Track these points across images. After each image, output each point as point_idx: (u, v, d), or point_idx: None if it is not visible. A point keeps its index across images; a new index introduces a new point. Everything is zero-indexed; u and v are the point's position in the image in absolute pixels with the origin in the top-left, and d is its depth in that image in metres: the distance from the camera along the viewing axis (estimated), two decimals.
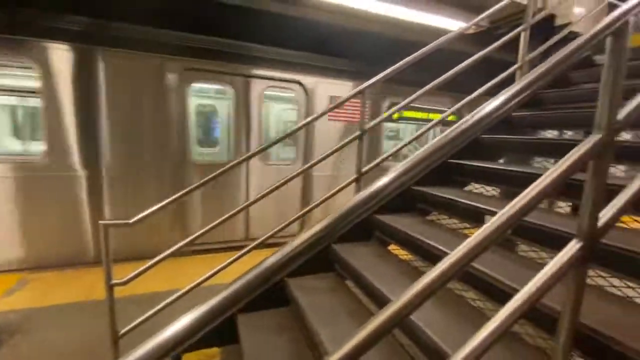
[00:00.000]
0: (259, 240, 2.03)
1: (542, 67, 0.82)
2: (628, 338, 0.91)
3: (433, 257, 1.67)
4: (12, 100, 4.89)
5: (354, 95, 2.20)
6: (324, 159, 2.18)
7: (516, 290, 0.84)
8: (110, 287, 1.66)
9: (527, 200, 0.76)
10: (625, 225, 1.41)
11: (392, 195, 2.19)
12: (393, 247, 2.14)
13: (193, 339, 0.85)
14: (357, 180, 2.29)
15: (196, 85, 3.94)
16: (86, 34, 3.31)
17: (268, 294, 1.90)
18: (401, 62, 2.19)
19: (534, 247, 1.45)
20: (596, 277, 1.33)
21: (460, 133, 0.72)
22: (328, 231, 0.70)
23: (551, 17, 3.67)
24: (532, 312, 1.13)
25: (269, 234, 2.05)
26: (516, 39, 2.55)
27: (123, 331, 1.75)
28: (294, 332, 1.67)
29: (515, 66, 2.53)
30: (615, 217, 0.89)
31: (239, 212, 1.97)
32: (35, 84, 3.22)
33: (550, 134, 2.60)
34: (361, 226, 2.18)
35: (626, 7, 0.85)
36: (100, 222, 1.63)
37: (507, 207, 0.76)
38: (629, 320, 1.02)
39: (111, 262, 1.63)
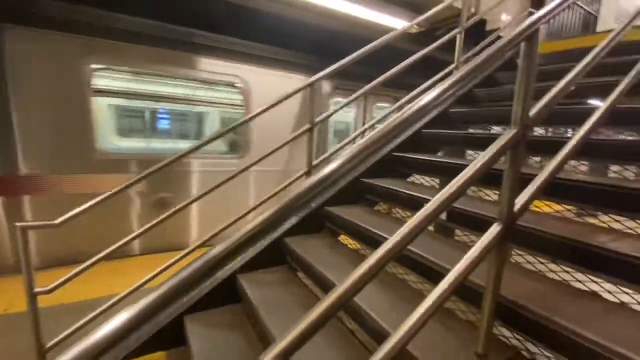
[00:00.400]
0: (201, 241, 1.95)
1: (463, 70, 0.90)
2: (538, 306, 1.06)
3: (379, 245, 1.76)
4: None
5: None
6: (271, 153, 2.15)
7: (448, 271, 0.92)
8: (32, 297, 1.48)
9: (455, 188, 0.84)
10: (538, 209, 1.62)
11: (338, 184, 2.26)
12: (343, 238, 2.21)
13: (127, 342, 0.80)
14: (308, 173, 2.31)
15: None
16: None
17: (217, 291, 1.86)
18: (349, 57, 2.24)
19: (466, 232, 1.60)
20: (515, 255, 1.52)
21: (394, 127, 0.77)
22: (272, 222, 0.70)
23: (483, 23, 4.02)
24: (463, 290, 1.25)
25: (211, 235, 1.98)
26: (453, 40, 2.75)
27: (50, 344, 1.58)
28: (246, 329, 1.66)
29: (452, 66, 2.73)
30: (529, 202, 1.02)
31: (176, 212, 1.85)
32: None
33: (482, 128, 2.86)
34: (312, 219, 2.22)
35: (536, 17, 0.96)
36: (18, 224, 1.44)
37: (437, 196, 0.83)
38: (539, 291, 1.17)
39: (32, 269, 1.45)
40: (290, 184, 2.22)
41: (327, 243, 2.06)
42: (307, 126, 2.24)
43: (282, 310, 1.58)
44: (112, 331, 0.48)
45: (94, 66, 3.18)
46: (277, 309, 1.58)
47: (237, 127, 2.08)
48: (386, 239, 1.69)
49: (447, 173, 2.04)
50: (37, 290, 1.48)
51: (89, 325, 1.65)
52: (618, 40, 1.35)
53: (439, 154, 2.64)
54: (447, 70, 2.73)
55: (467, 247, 1.62)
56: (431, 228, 2.29)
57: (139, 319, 0.54)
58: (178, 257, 1.86)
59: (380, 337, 1.22)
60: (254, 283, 1.82)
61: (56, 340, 1.60)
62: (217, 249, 0.60)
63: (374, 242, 1.80)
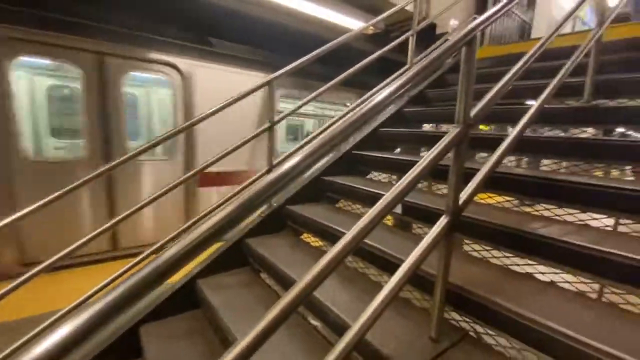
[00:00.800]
0: (155, 246, 1.85)
1: (411, 71, 0.96)
2: (482, 290, 1.16)
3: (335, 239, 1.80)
4: None
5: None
6: (228, 154, 2.09)
7: (402, 261, 0.98)
8: None
9: (405, 184, 0.89)
10: (482, 201, 1.76)
11: (299, 182, 2.26)
12: (306, 236, 2.23)
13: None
14: (268, 171, 2.29)
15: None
16: None
17: (175, 298, 1.79)
18: (307, 57, 2.25)
19: (420, 225, 1.70)
20: (463, 244, 1.64)
21: (350, 124, 0.80)
22: (229, 222, 0.69)
23: (433, 26, 4.25)
24: (417, 279, 1.33)
25: (166, 240, 1.88)
26: (407, 42, 2.88)
27: None
28: (207, 335, 1.61)
29: (405, 67, 2.86)
30: (472, 195, 1.11)
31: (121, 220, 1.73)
32: None
33: (434, 127, 3.04)
34: (274, 218, 2.21)
35: (475, 23, 1.05)
36: None
37: (389, 192, 0.88)
38: (484, 276, 1.28)
39: None
40: (250, 183, 2.18)
41: (290, 242, 2.06)
42: (266, 124, 2.22)
43: (245, 312, 1.56)
44: (51, 348, 0.44)
45: None
46: (240, 312, 1.56)
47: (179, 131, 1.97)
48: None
49: (402, 169, 2.14)
50: None
51: (27, 345, 1.51)
52: (546, 47, 1.50)
53: (397, 152, 2.76)
54: (400, 72, 2.86)
55: (421, 239, 1.72)
56: (390, 222, 2.39)
57: (83, 333, 0.50)
58: (129, 264, 1.76)
59: (342, 330, 1.26)
60: (214, 287, 1.77)
61: None
62: (169, 253, 0.58)
63: (336, 239, 1.84)
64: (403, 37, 2.83)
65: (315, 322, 1.50)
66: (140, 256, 1.77)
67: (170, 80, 3.69)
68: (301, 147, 2.47)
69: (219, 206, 2.07)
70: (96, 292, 1.68)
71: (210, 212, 2.09)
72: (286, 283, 1.66)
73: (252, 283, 1.86)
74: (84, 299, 1.65)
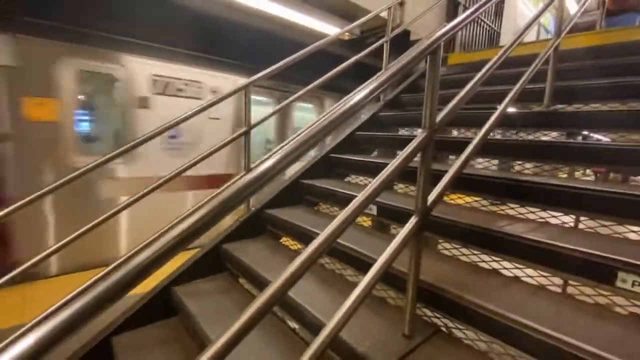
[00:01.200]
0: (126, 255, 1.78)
1: (383, 76, 1.00)
2: (451, 287, 1.21)
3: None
4: None
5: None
6: (205, 157, 2.07)
7: (375, 260, 1.01)
8: None
9: (376, 186, 0.92)
10: (451, 201, 1.84)
11: (275, 186, 2.26)
12: (285, 240, 2.24)
13: None
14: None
15: None
16: None
17: (149, 306, 1.74)
18: (284, 60, 2.27)
19: (394, 225, 1.75)
20: (438, 244, 1.70)
21: (325, 126, 0.82)
22: (203, 225, 0.69)
23: (407, 33, 4.38)
24: (390, 277, 1.37)
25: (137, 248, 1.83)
26: (382, 48, 2.96)
27: None
28: (184, 342, 1.59)
29: (380, 72, 2.93)
30: (440, 196, 1.17)
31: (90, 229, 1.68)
32: None
33: (409, 130, 3.13)
34: (252, 222, 2.20)
35: (438, 34, 1.11)
36: None
37: (361, 193, 0.91)
38: (454, 273, 1.34)
39: None
40: (225, 189, 2.16)
41: (268, 246, 2.06)
42: (243, 129, 2.22)
43: (223, 317, 1.55)
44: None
45: None
46: (218, 317, 1.54)
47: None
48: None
49: (378, 172, 2.20)
50: None
51: None
52: (508, 54, 1.59)
53: (373, 155, 2.82)
54: (375, 77, 2.92)
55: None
56: (368, 224, 2.44)
57: (48, 343, 0.50)
58: (100, 274, 1.70)
59: (319, 330, 1.28)
60: (191, 293, 1.75)
61: None
62: (139, 259, 0.58)
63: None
64: (378, 44, 2.91)
65: (293, 324, 1.51)
66: (112, 265, 1.72)
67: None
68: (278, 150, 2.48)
69: (192, 212, 2.04)
70: (65, 303, 1.61)
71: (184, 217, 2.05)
72: (265, 287, 1.66)
73: (230, 289, 1.85)
74: (53, 310, 1.58)
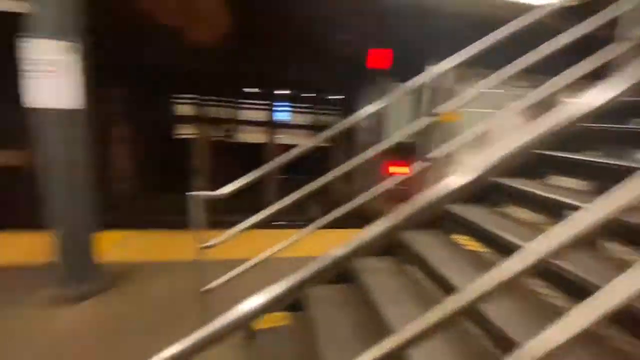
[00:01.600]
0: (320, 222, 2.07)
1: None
2: None
3: (501, 248, 1.62)
4: None
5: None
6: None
7: (598, 288, 0.79)
8: (200, 250, 1.90)
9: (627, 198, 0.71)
10: None
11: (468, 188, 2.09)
12: (460, 236, 2.10)
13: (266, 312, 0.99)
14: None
15: None
16: None
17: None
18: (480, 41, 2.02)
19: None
20: None
21: (566, 123, 0.66)
22: (401, 222, 0.74)
23: None
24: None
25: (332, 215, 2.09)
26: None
27: (206, 288, 1.98)
28: (358, 307, 1.80)
29: (614, 44, 2.12)
30: None
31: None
32: None
33: None
34: (431, 215, 2.16)
35: None
36: (188, 193, 1.85)
37: (598, 203, 0.73)
38: None
39: (202, 228, 1.86)
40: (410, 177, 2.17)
41: (442, 240, 2.00)
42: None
43: (395, 296, 1.65)
44: (258, 305, 0.60)
45: None
46: (389, 295, 1.67)
47: None
48: (513, 243, 1.51)
49: (601, 176, 1.68)
50: (203, 245, 1.90)
51: (233, 279, 2.03)
52: None
53: (591, 154, 2.15)
54: (606, 49, 2.12)
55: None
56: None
57: (281, 297, 0.65)
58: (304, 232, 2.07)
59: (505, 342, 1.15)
60: (366, 269, 1.95)
61: (209, 286, 1.99)
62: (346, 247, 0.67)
63: (498, 246, 1.66)
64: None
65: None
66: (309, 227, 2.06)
67: None
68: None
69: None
70: (274, 253, 2.08)
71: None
72: (439, 280, 1.64)
73: (399, 272, 1.94)
74: (269, 255, 2.07)
